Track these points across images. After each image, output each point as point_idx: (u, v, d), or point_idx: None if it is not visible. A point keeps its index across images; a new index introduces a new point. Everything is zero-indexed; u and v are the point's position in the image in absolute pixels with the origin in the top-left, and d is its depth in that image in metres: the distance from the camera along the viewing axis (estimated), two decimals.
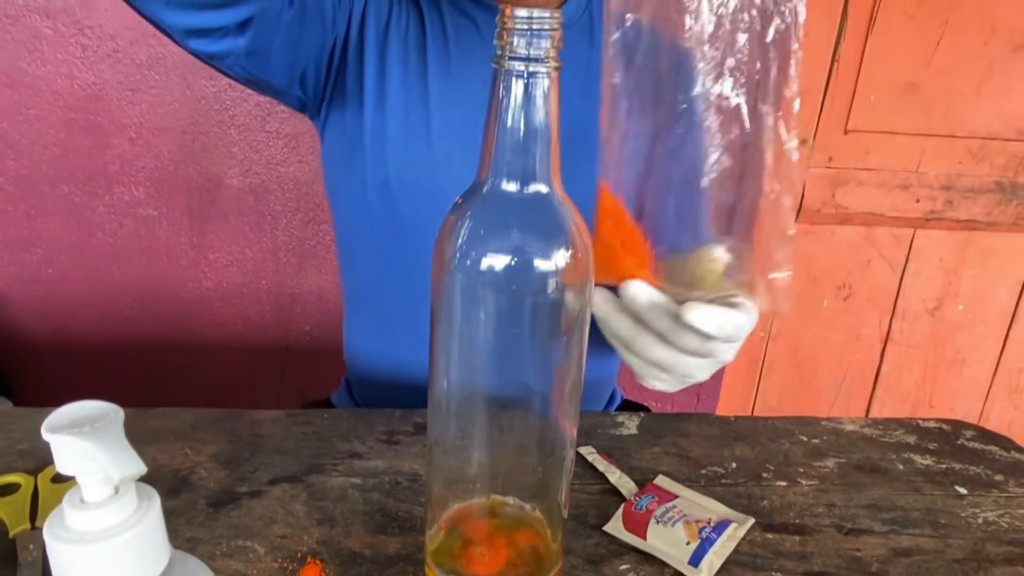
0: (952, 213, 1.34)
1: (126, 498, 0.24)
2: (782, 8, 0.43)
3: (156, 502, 0.25)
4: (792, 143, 0.45)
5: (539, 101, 0.34)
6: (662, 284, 0.46)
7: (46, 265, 1.20)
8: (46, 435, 0.23)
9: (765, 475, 0.57)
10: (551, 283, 0.36)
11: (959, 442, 0.63)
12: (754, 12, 0.43)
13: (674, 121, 0.45)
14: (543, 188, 0.36)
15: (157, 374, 1.28)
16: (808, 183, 1.30)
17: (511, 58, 0.33)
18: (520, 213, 0.36)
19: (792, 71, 0.44)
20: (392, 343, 0.73)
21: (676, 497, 0.52)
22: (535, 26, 0.32)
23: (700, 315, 0.41)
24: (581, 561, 0.47)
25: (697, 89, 0.44)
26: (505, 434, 0.41)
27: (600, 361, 0.79)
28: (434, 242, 0.38)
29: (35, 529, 0.46)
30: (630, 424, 0.63)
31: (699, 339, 0.44)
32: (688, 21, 0.43)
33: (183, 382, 1.29)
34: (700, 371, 0.49)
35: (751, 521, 0.51)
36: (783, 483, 0.56)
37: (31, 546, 0.44)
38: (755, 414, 1.47)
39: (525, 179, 0.36)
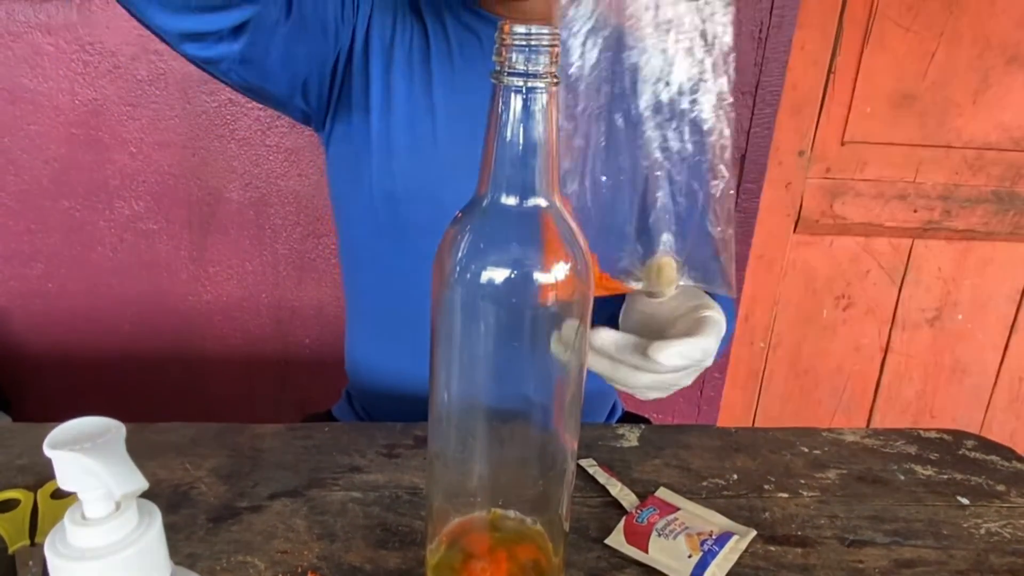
0: (950, 223, 1.34)
1: (127, 514, 0.24)
2: (709, 37, 0.46)
3: (157, 518, 0.25)
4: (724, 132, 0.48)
5: (538, 116, 0.34)
6: (617, 285, 0.49)
7: (46, 279, 1.20)
8: (48, 451, 0.23)
9: (767, 487, 0.57)
10: (551, 295, 0.36)
11: (960, 452, 0.63)
12: (685, 33, 0.45)
13: (611, 135, 0.47)
14: (542, 202, 0.36)
15: (157, 387, 1.28)
16: (806, 194, 1.30)
17: (510, 74, 0.33)
18: (519, 227, 0.37)
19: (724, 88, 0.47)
20: (394, 354, 0.73)
21: (678, 509, 0.52)
22: (533, 42, 0.33)
23: (665, 354, 0.45)
24: (583, 575, 0.47)
25: (639, 104, 0.46)
26: (506, 447, 0.41)
27: None
28: (436, 254, 0.38)
29: (35, 545, 0.45)
30: (631, 436, 0.63)
31: (670, 367, 0.47)
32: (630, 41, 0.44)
33: (183, 395, 1.29)
34: (683, 380, 0.50)
35: (753, 533, 0.51)
36: (785, 495, 0.56)
37: (31, 562, 0.44)
38: (756, 425, 1.47)
39: (524, 193, 0.36)
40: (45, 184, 1.14)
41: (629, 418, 0.87)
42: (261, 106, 1.08)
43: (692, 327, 0.48)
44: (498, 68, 0.34)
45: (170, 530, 0.48)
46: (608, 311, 0.77)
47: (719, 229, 0.50)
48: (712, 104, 0.47)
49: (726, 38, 0.46)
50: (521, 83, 0.33)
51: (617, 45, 0.46)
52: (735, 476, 0.58)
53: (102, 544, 0.24)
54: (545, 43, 0.33)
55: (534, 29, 0.33)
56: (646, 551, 0.48)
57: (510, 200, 0.36)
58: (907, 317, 1.42)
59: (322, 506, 0.52)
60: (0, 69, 1.08)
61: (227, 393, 1.30)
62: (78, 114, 1.11)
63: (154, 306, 1.23)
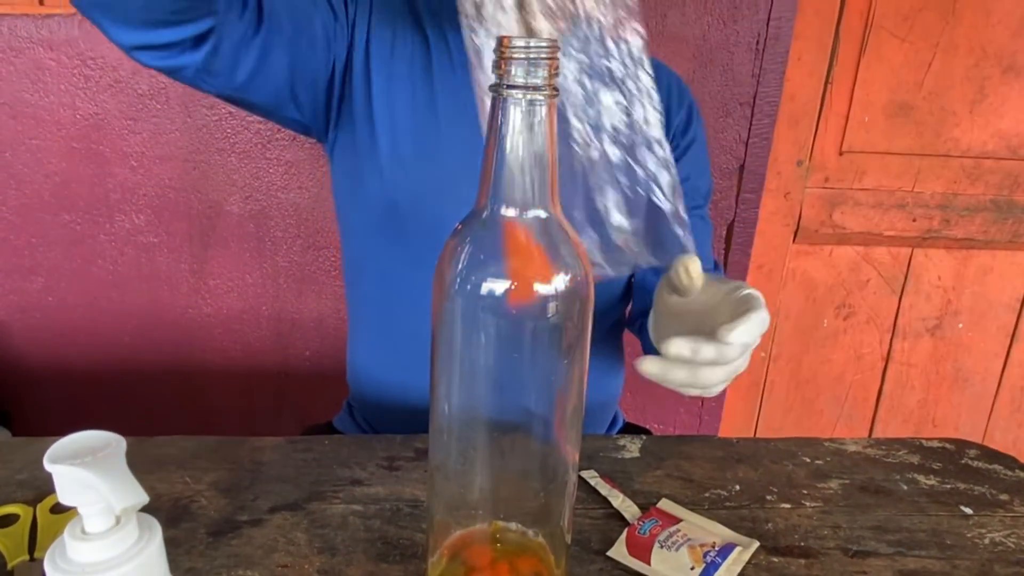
0: (949, 232, 1.34)
1: (127, 528, 0.24)
2: (622, 50, 0.47)
3: (157, 532, 0.25)
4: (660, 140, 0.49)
5: (537, 128, 0.34)
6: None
7: (47, 293, 1.20)
8: (48, 465, 0.23)
9: (769, 497, 0.57)
10: (551, 307, 0.36)
11: (963, 461, 0.63)
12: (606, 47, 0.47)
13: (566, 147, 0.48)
14: (542, 213, 0.36)
15: (157, 400, 1.28)
16: (805, 203, 1.31)
17: (509, 86, 0.34)
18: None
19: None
20: (396, 364, 0.73)
21: (680, 521, 0.52)
22: (532, 55, 0.33)
23: (735, 333, 0.46)
24: None
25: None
26: (507, 459, 0.41)
27: (601, 384, 0.79)
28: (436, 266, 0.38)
29: (34, 560, 0.45)
30: (632, 447, 0.62)
31: (741, 347, 0.48)
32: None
33: (183, 408, 1.29)
34: (743, 364, 0.51)
35: (756, 544, 0.51)
36: (787, 505, 0.56)
37: None
38: (757, 435, 1.46)
39: (524, 205, 0.36)
40: (46, 198, 1.15)
41: (630, 429, 0.87)
42: (261, 119, 1.08)
43: (739, 306, 0.48)
44: (498, 80, 0.34)
45: (170, 544, 0.47)
46: (611, 318, 0.77)
47: (667, 203, 0.50)
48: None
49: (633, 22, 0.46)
50: (520, 95, 0.34)
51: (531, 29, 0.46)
52: (737, 487, 0.58)
53: (102, 559, 0.24)
54: (544, 56, 0.33)
55: (533, 42, 0.33)
56: (648, 563, 0.48)
57: (510, 212, 0.36)
58: (908, 326, 1.42)
59: (323, 519, 0.51)
60: (2, 84, 1.08)
61: (227, 406, 1.30)
62: (79, 128, 1.11)
63: (154, 319, 1.23)
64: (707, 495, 0.57)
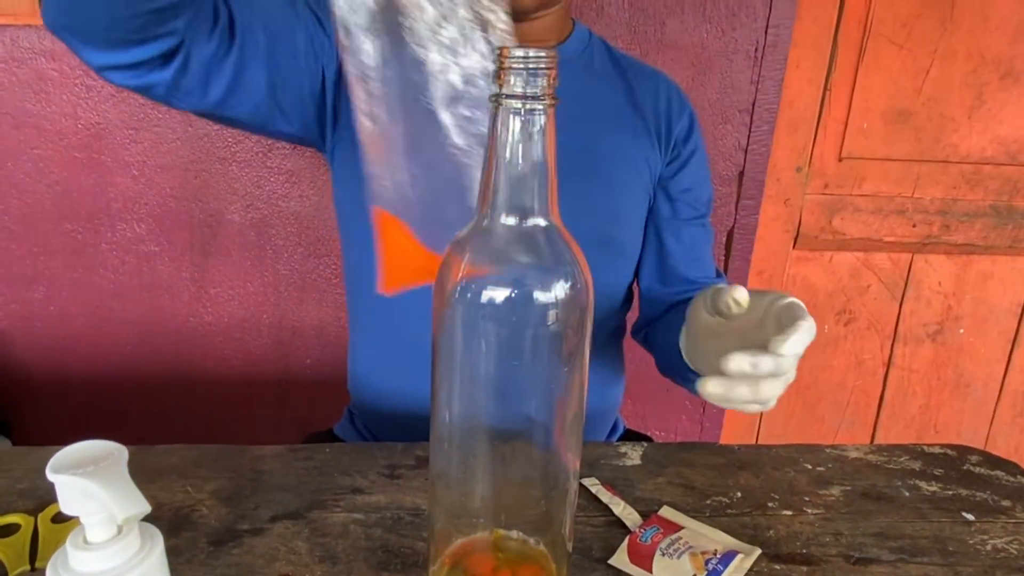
0: (949, 237, 1.35)
1: (129, 538, 0.24)
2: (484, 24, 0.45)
3: (159, 542, 0.25)
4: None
5: (536, 137, 0.35)
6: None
7: (48, 302, 1.20)
8: (50, 475, 0.23)
9: (770, 504, 0.57)
10: (551, 315, 0.37)
11: (965, 468, 0.63)
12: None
13: (414, 128, 0.46)
14: (542, 221, 0.37)
15: (158, 409, 1.28)
16: (804, 210, 1.31)
17: (508, 96, 0.34)
18: (519, 246, 0.37)
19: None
20: (397, 372, 0.73)
21: (681, 528, 0.52)
22: (531, 65, 0.33)
23: (789, 344, 0.46)
24: None
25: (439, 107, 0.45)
26: (508, 467, 0.41)
27: (601, 391, 0.79)
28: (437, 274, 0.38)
29: (35, 570, 0.45)
30: (633, 454, 0.62)
31: (794, 357, 0.48)
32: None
33: (184, 417, 1.29)
34: (795, 374, 0.51)
35: (758, 551, 0.50)
36: (789, 512, 0.56)
37: None
38: (759, 442, 1.46)
39: (524, 213, 0.36)
40: (47, 207, 1.15)
41: (631, 436, 0.87)
42: None
43: (784, 316, 0.49)
44: (497, 91, 0.34)
45: (171, 553, 0.47)
46: (611, 325, 0.78)
47: None
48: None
49: (500, 25, 0.45)
50: (520, 105, 0.34)
51: (401, 41, 0.45)
52: (739, 494, 0.58)
53: (104, 568, 0.24)
54: (543, 66, 0.33)
55: (532, 52, 0.33)
56: (650, 571, 0.48)
57: (510, 220, 0.36)
58: (909, 332, 1.42)
59: (324, 528, 0.51)
60: (4, 95, 1.09)
61: (228, 414, 1.29)
62: (81, 138, 1.12)
63: (156, 328, 1.23)
64: (709, 502, 0.56)
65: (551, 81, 0.34)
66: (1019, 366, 1.45)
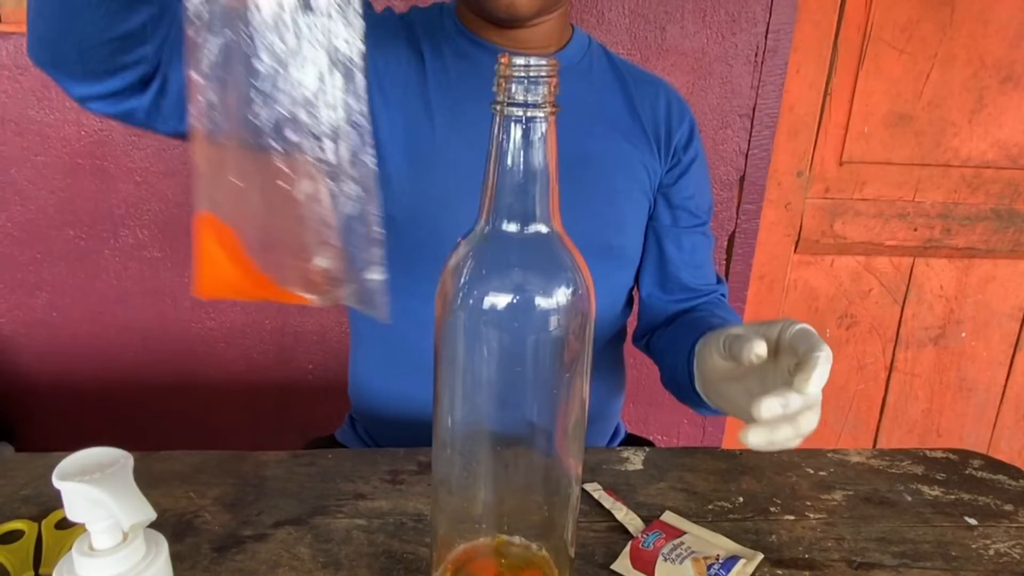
0: (950, 241, 1.35)
1: (134, 544, 0.24)
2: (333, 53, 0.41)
3: (164, 548, 0.25)
4: (368, 155, 0.43)
5: (537, 145, 0.35)
6: (290, 295, 0.43)
7: (51, 308, 1.20)
8: (57, 482, 0.23)
9: (773, 509, 0.57)
10: (552, 321, 0.37)
11: (967, 472, 0.63)
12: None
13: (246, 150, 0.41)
14: (543, 228, 0.37)
15: (160, 414, 1.28)
16: (806, 214, 1.31)
17: (509, 104, 0.34)
18: (521, 253, 0.37)
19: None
20: (398, 378, 0.73)
21: (684, 533, 0.52)
22: (532, 73, 0.33)
23: (814, 381, 0.46)
24: None
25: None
26: (510, 472, 0.41)
27: (602, 396, 0.79)
28: (439, 281, 0.38)
29: None
30: (635, 459, 0.62)
31: (819, 391, 0.48)
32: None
33: (186, 422, 1.29)
34: (820, 397, 0.51)
35: (760, 556, 0.50)
36: (791, 517, 0.56)
37: None
38: None
39: (525, 220, 0.36)
40: (51, 214, 1.15)
41: (633, 441, 0.87)
42: None
43: (798, 345, 0.49)
44: (498, 98, 0.34)
45: (174, 560, 0.47)
46: (611, 331, 0.78)
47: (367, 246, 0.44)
48: (331, 116, 0.41)
49: (354, 55, 0.40)
50: (521, 113, 0.34)
51: (236, 55, 0.40)
52: (741, 499, 0.58)
53: (109, 575, 0.24)
54: (544, 74, 0.34)
55: (533, 60, 0.33)
56: None
57: (511, 227, 0.36)
58: (911, 335, 1.42)
59: (326, 534, 0.51)
60: (8, 102, 1.10)
61: (230, 419, 1.30)
62: (84, 144, 1.12)
63: (158, 333, 1.23)
64: (711, 507, 0.56)
65: (552, 89, 0.34)
66: (1021, 369, 1.45)
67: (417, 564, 0.49)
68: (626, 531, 0.53)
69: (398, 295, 0.71)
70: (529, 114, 0.34)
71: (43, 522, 0.50)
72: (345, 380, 0.82)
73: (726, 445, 1.43)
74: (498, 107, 0.35)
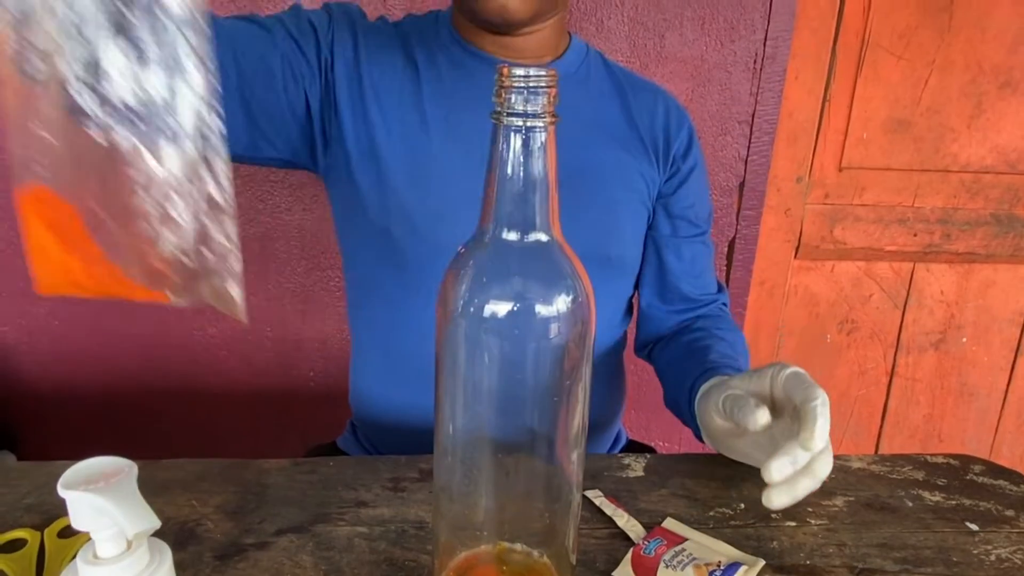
0: (950, 246, 1.35)
1: (138, 553, 0.24)
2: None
3: (168, 557, 0.25)
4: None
5: (537, 154, 0.35)
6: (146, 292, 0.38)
7: (52, 317, 1.21)
8: (62, 492, 0.23)
9: (774, 515, 0.57)
10: (553, 328, 0.37)
11: (968, 477, 0.63)
12: None
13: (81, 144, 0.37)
14: (543, 236, 0.37)
15: (162, 422, 1.28)
16: (805, 220, 1.31)
17: (509, 114, 0.34)
18: (521, 261, 0.37)
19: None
20: (399, 386, 0.73)
21: (685, 540, 0.52)
22: (532, 84, 0.34)
23: (818, 436, 0.48)
24: None
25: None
26: (511, 479, 0.41)
27: (603, 405, 0.79)
28: (439, 289, 0.39)
29: None
30: (636, 466, 0.63)
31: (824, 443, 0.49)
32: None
33: (187, 430, 1.29)
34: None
35: (761, 563, 0.50)
36: (792, 523, 0.56)
37: None
38: None
39: (525, 228, 0.37)
40: None
41: (634, 447, 0.87)
42: None
43: (793, 393, 0.51)
44: (498, 109, 0.35)
45: (177, 568, 0.47)
46: (611, 338, 0.78)
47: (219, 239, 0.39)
48: (192, 114, 0.36)
49: (187, 64, 0.35)
50: (521, 123, 0.34)
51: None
52: (742, 505, 0.58)
53: None
54: (543, 84, 0.34)
55: (532, 71, 0.34)
56: None
57: (511, 236, 0.37)
58: (912, 341, 1.42)
59: (328, 542, 0.52)
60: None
61: (231, 426, 1.30)
62: None
63: (159, 342, 1.23)
64: (712, 514, 0.57)
65: (551, 99, 0.35)
66: (1023, 374, 1.45)
67: (419, 572, 0.49)
68: (627, 538, 0.53)
69: (396, 306, 0.71)
70: (529, 124, 0.34)
71: (46, 531, 0.50)
72: (346, 387, 0.82)
73: None
74: (498, 117, 0.35)
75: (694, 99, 1.18)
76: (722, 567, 0.49)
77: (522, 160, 0.35)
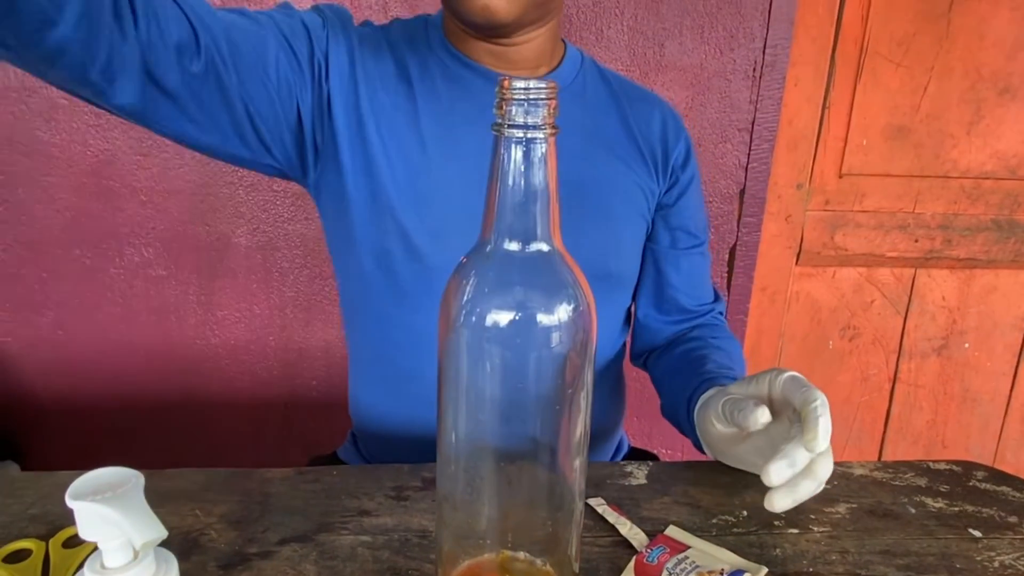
0: (951, 252, 1.35)
1: (145, 563, 0.25)
2: None
3: (174, 566, 0.26)
4: None
5: (538, 165, 0.35)
6: None
7: (56, 327, 1.21)
8: (70, 502, 0.24)
9: (777, 522, 0.57)
10: (554, 337, 0.37)
11: (971, 484, 0.63)
12: None
13: None
14: (544, 247, 0.37)
15: (165, 431, 1.28)
16: (806, 226, 1.32)
17: (510, 126, 0.35)
18: (523, 271, 0.38)
19: None
20: (397, 400, 0.73)
21: (688, 548, 0.52)
22: (532, 96, 0.34)
23: (821, 437, 0.48)
24: None
25: None
26: (514, 488, 0.41)
27: (605, 411, 0.79)
28: (439, 302, 0.39)
29: None
30: (639, 474, 0.63)
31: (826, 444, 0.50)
32: None
33: (190, 439, 1.29)
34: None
35: (764, 570, 0.50)
36: (795, 530, 0.56)
37: None
38: None
39: (527, 238, 0.37)
40: (57, 233, 1.16)
41: (637, 455, 0.87)
42: None
43: (791, 396, 0.52)
44: (499, 121, 0.35)
45: None
46: (611, 347, 0.78)
47: None
48: None
49: None
50: (521, 134, 0.35)
51: None
52: (745, 513, 0.58)
53: None
54: (544, 96, 0.34)
55: (532, 83, 0.34)
56: None
57: (513, 246, 0.37)
58: (914, 346, 1.42)
59: (331, 551, 0.52)
60: (16, 123, 1.11)
61: (235, 435, 1.30)
62: (90, 165, 1.14)
63: (163, 351, 1.24)
64: (715, 521, 0.57)
65: (551, 111, 0.35)
66: None
67: None
68: (630, 546, 0.53)
69: (395, 325, 0.71)
70: (529, 135, 0.35)
71: (51, 541, 0.50)
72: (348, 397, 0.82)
73: None
74: (499, 129, 0.35)
75: (694, 107, 1.19)
76: (725, 575, 0.49)
77: (523, 171, 0.36)
